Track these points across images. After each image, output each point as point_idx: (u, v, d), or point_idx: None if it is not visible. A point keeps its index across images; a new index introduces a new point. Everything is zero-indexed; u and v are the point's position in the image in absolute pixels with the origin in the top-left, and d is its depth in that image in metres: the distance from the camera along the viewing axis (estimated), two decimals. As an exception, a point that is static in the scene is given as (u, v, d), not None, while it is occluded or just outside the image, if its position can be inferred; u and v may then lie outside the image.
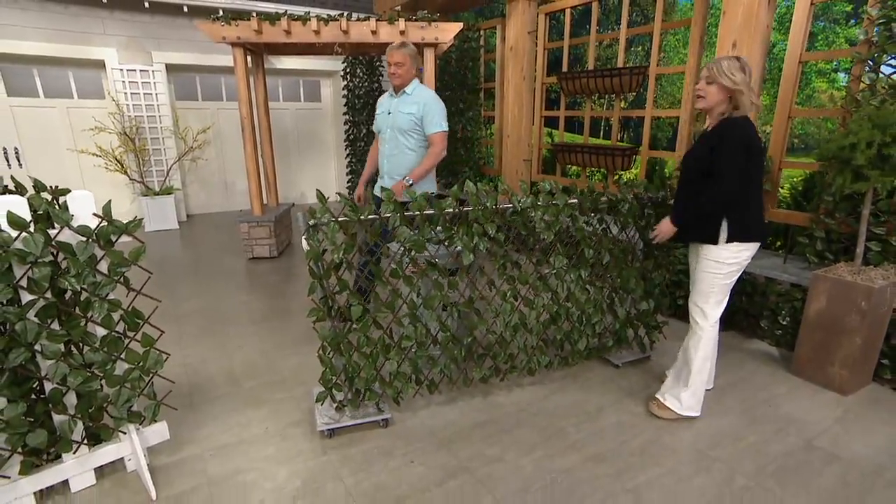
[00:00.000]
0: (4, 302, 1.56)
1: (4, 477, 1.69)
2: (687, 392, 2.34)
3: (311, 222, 2.02)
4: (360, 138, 7.30)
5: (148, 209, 6.50)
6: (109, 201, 1.78)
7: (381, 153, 3.15)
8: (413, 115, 2.96)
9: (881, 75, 2.69)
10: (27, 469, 1.72)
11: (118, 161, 6.48)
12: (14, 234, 1.55)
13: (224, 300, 4.06)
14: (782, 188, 4.62)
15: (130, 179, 6.65)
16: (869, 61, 2.73)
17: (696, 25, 3.75)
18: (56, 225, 1.66)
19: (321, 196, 2.08)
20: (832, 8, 17.87)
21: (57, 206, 1.67)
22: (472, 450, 2.19)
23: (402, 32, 4.57)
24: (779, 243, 4.03)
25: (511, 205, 2.32)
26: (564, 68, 5.00)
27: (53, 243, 1.64)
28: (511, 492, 1.94)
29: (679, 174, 2.42)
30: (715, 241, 2.15)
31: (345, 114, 7.37)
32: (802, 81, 19.20)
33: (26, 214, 1.58)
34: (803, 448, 2.18)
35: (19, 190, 1.65)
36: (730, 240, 2.13)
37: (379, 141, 3.19)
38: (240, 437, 2.30)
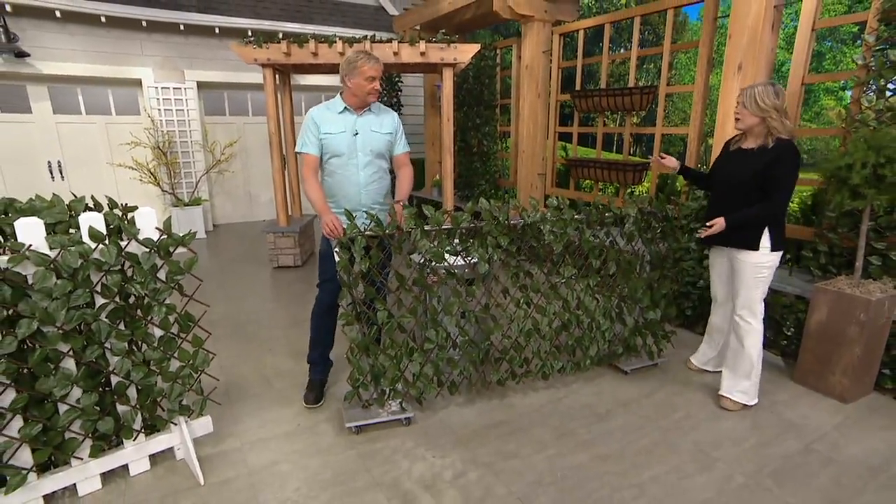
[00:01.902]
0: (83, 305, 1.79)
1: (78, 458, 1.92)
2: (750, 383, 2.62)
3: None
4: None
5: (178, 219, 6.83)
6: (170, 217, 2.03)
7: (352, 182, 2.57)
8: (391, 135, 2.66)
9: (880, 99, 2.82)
10: (96, 452, 1.95)
11: (151, 173, 6.84)
12: (93, 245, 1.79)
13: (252, 306, 4.30)
14: (792, 202, 4.73)
15: (162, 191, 7.01)
16: (872, 84, 2.85)
17: (704, 47, 3.91)
18: (125, 237, 1.90)
19: (349, 214, 2.29)
20: (839, 29, 18.12)
21: (126, 222, 1.91)
22: (488, 447, 2.36)
23: (422, 54, 4.82)
24: (788, 256, 4.14)
25: (521, 219, 2.52)
26: (577, 86, 5.20)
27: (123, 254, 1.88)
28: (525, 485, 2.10)
29: (720, 185, 2.65)
30: (756, 248, 2.45)
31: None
32: (811, 99, 19.49)
33: (102, 229, 1.83)
34: (802, 451, 2.31)
35: (97, 207, 1.89)
36: (773, 248, 2.45)
37: (340, 166, 2.57)
38: (274, 432, 2.51)
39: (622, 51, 18.56)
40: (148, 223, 1.96)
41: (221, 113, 7.71)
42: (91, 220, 1.79)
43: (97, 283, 1.83)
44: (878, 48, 2.77)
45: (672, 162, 2.84)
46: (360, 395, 2.48)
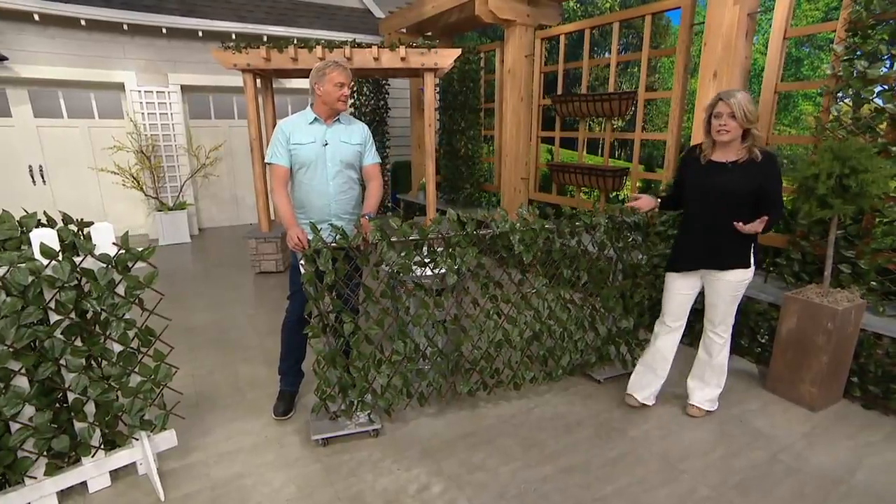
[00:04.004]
0: (36, 322, 1.77)
1: (31, 477, 1.89)
2: (719, 391, 2.69)
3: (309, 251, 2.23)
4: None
5: (162, 224, 6.79)
6: (127, 232, 2.01)
7: (321, 193, 2.57)
8: (360, 146, 2.66)
9: (850, 108, 2.83)
10: (51, 471, 1.93)
11: (135, 178, 6.78)
12: (45, 262, 1.77)
13: (232, 313, 4.27)
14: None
15: (146, 195, 6.95)
16: (842, 93, 2.85)
17: (681, 54, 3.92)
18: (81, 253, 1.87)
19: (314, 227, 2.28)
20: (816, 35, 18.35)
21: (82, 237, 1.89)
22: (455, 459, 2.35)
23: (403, 59, 4.81)
24: (766, 261, 4.15)
25: (491, 229, 2.51)
26: (559, 91, 5.19)
27: (78, 270, 1.85)
28: (488, 498, 2.10)
29: (703, 198, 2.44)
30: (749, 265, 2.42)
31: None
32: (790, 104, 19.64)
33: (56, 245, 1.80)
34: (768, 461, 2.32)
35: (50, 223, 1.87)
36: (757, 265, 2.45)
37: (309, 177, 2.56)
38: (241, 444, 2.49)
39: (606, 54, 18.71)
40: (104, 238, 1.93)
41: (206, 116, 7.66)
42: (43, 237, 1.76)
43: (51, 300, 1.81)
44: (845, 58, 2.77)
45: (647, 203, 2.70)
46: (327, 407, 2.46)
